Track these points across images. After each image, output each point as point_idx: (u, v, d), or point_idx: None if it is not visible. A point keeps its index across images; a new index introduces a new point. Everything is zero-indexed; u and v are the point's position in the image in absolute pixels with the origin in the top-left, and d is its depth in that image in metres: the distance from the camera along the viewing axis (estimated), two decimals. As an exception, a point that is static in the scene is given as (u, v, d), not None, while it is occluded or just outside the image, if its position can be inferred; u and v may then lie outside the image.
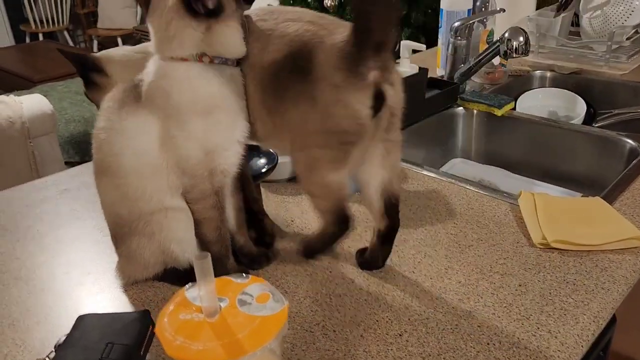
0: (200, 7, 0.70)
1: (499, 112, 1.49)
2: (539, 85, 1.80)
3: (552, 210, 1.00)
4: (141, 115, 0.74)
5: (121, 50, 0.99)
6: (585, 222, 0.98)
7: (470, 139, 1.58)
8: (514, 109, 1.57)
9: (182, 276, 0.84)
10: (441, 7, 1.74)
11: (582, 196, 1.15)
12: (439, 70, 1.79)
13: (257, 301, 0.50)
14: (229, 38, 0.73)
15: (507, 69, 1.75)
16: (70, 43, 6.19)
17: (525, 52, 1.31)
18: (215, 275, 0.79)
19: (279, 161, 1.03)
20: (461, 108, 1.55)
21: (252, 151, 0.98)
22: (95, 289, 0.86)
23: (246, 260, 0.88)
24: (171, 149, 0.74)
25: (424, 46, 1.36)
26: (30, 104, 2.48)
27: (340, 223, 0.83)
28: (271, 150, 1.04)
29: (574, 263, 0.88)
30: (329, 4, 2.83)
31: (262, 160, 1.01)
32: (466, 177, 1.46)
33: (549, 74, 1.80)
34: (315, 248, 0.90)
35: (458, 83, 1.55)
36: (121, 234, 0.81)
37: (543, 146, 1.48)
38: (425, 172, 1.19)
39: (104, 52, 0.99)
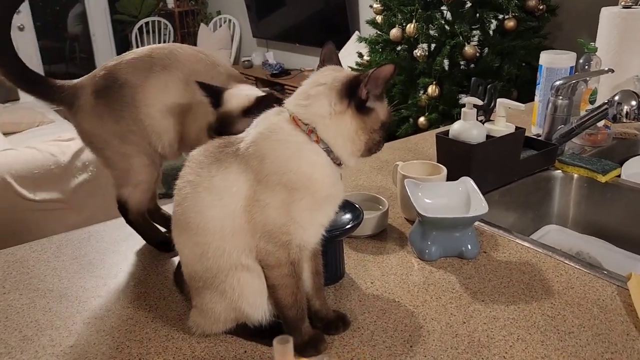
0: (355, 92, 0.73)
1: (602, 179, 1.37)
2: (646, 151, 1.65)
3: (669, 299, 0.88)
4: (232, 173, 0.74)
5: None
6: None
7: (567, 205, 1.46)
8: (619, 175, 1.44)
9: (254, 333, 0.82)
10: (540, 63, 1.66)
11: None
12: (534, 129, 1.69)
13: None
14: (342, 139, 0.75)
15: (611, 131, 1.62)
16: (169, 80, 6.61)
17: (638, 117, 1.20)
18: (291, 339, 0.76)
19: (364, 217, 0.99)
20: (559, 171, 1.45)
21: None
22: (169, 337, 0.84)
23: (321, 324, 0.83)
24: (254, 211, 0.73)
25: (522, 105, 1.29)
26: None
27: None
28: (357, 205, 1.00)
29: (699, 368, 0.76)
30: (418, 54, 2.82)
31: (347, 216, 0.97)
32: (562, 246, 1.35)
33: (659, 138, 1.65)
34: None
35: (557, 144, 1.45)
36: (196, 287, 0.80)
37: (651, 219, 1.34)
38: (518, 241, 1.10)
39: None
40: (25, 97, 4.43)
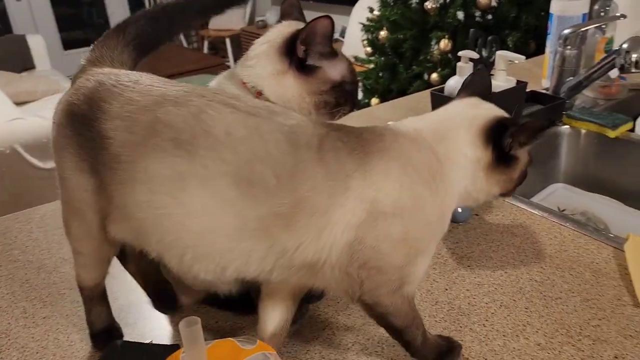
0: (292, 50, 0.68)
1: (612, 134, 1.29)
2: (667, 102, 1.55)
3: (668, 262, 0.83)
4: None
5: None
6: None
7: (576, 163, 1.38)
8: (632, 130, 1.35)
9: (224, 303, 0.79)
10: (551, 11, 1.55)
11: None
12: (544, 82, 1.60)
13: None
14: (287, 102, 0.69)
15: (627, 82, 1.52)
16: (184, 43, 6.54)
17: (648, 67, 1.11)
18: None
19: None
20: (567, 127, 1.37)
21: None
22: (142, 307, 0.83)
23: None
24: None
25: (523, 57, 1.20)
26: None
27: None
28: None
29: (692, 336, 0.71)
30: (429, 7, 2.69)
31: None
32: (568, 206, 1.28)
33: (680, 89, 1.54)
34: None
35: (564, 98, 1.36)
36: None
37: (665, 175, 1.26)
38: (513, 202, 1.04)
39: None
40: (41, 66, 4.45)
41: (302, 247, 0.56)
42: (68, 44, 6.44)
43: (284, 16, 0.75)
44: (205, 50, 6.29)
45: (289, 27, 0.72)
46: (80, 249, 0.69)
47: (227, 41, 5.87)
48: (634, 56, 1.10)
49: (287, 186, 0.54)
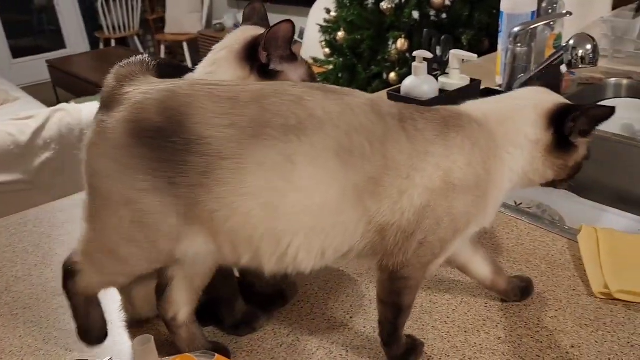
0: (253, 56, 0.69)
1: (563, 128, 1.33)
2: (613, 95, 1.61)
3: (619, 251, 0.86)
4: None
5: None
6: (660, 268, 0.82)
7: (529, 157, 1.42)
8: (582, 123, 1.40)
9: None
10: (501, 9, 1.59)
11: (659, 230, 0.99)
12: (498, 79, 1.64)
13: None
14: None
15: (576, 76, 1.57)
16: (140, 48, 6.42)
17: (593, 62, 1.15)
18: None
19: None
20: (520, 122, 1.40)
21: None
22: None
23: (258, 299, 0.80)
24: None
25: (475, 56, 1.23)
26: (90, 111, 2.54)
27: None
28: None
29: (643, 321, 0.74)
30: (385, 7, 2.72)
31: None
32: (523, 199, 1.32)
33: (625, 81, 1.60)
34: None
35: (517, 95, 1.40)
36: None
37: (616, 166, 1.30)
38: (471, 198, 1.06)
39: None
40: (-13, 76, 4.28)
41: (382, 209, 0.60)
42: (17, 52, 6.23)
43: (244, 20, 0.75)
44: (162, 54, 6.18)
45: (246, 32, 0.71)
46: (131, 267, 0.66)
47: (185, 45, 5.79)
48: (580, 52, 1.14)
49: (380, 151, 0.60)
